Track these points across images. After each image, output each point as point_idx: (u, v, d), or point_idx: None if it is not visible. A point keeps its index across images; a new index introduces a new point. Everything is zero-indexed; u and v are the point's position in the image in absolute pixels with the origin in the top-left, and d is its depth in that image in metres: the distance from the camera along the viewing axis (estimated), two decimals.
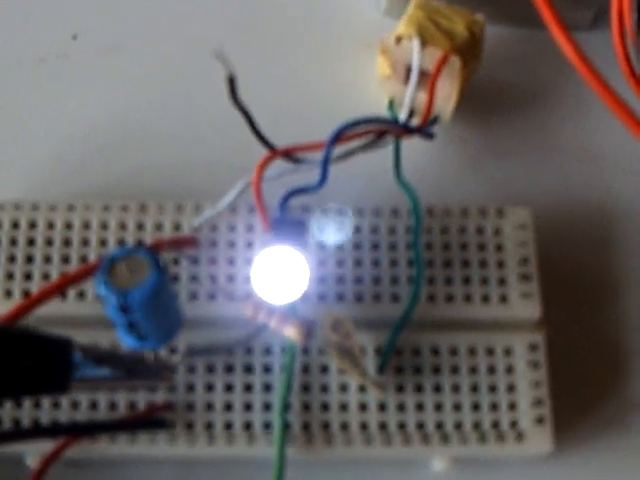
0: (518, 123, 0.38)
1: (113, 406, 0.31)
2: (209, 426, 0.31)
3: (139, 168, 0.36)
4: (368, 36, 0.38)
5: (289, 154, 0.33)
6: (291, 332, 0.29)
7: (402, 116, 0.35)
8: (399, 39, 0.35)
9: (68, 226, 0.33)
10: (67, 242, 0.33)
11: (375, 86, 0.37)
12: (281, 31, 0.39)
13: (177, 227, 0.33)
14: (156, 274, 0.27)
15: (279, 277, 0.29)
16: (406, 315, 0.32)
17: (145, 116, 0.37)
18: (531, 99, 0.38)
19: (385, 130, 0.33)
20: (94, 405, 0.31)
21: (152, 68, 0.38)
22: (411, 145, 0.35)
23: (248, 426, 0.31)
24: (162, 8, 0.40)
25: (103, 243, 0.33)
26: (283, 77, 0.38)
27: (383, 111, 0.36)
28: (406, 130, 0.34)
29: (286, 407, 0.31)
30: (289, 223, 0.31)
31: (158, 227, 0.33)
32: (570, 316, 0.34)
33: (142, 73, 0.38)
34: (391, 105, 0.36)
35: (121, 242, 0.33)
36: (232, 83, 0.31)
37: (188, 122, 0.37)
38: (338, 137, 0.32)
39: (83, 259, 0.33)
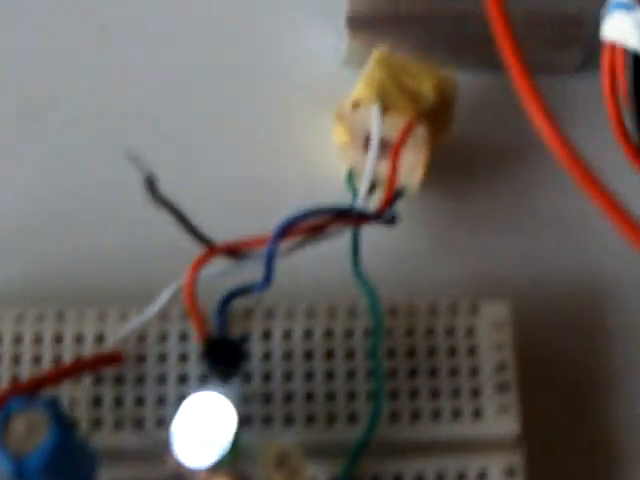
0: (497, 190, 0.33)
1: None
2: None
3: (50, 265, 0.31)
4: (328, 91, 0.33)
5: (229, 251, 0.28)
6: None
7: (362, 193, 0.30)
8: (356, 104, 0.30)
9: None
10: None
11: (333, 155, 0.32)
12: (218, 86, 0.33)
13: (100, 338, 0.29)
14: (55, 434, 0.22)
15: (200, 435, 0.25)
16: (363, 440, 0.28)
17: (55, 195, 0.32)
18: (512, 160, 0.33)
19: (339, 220, 0.29)
20: None
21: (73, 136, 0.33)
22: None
23: None
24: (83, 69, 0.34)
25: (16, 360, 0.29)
26: (221, 146, 0.33)
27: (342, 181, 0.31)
28: (363, 218, 0.29)
29: None
30: (223, 346, 0.27)
31: (78, 339, 0.29)
32: (555, 430, 0.30)
33: (58, 137, 0.33)
34: (350, 176, 0.32)
35: (37, 359, 0.28)
36: (152, 184, 0.26)
37: (109, 206, 0.32)
38: (284, 232, 0.28)
39: None
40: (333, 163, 0.32)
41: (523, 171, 0.33)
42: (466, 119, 0.32)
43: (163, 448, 0.26)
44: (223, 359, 0.27)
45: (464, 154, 0.33)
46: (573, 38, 0.33)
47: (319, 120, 0.33)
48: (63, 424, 0.23)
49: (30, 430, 0.23)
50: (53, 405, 0.23)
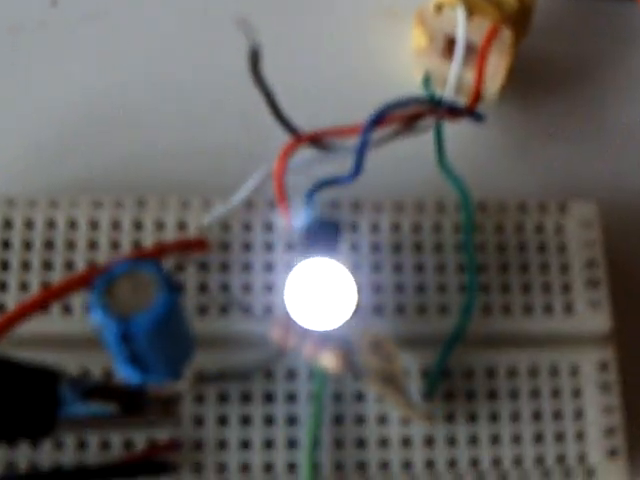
0: (572, 101, 0.32)
1: (106, 445, 0.26)
2: (222, 468, 0.26)
3: (135, 156, 0.30)
4: (396, 3, 0.33)
5: (317, 140, 0.27)
6: (329, 360, 0.24)
7: (447, 94, 0.29)
8: (440, 7, 0.30)
9: (50, 225, 0.28)
10: (49, 244, 0.27)
11: (406, 59, 0.32)
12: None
13: (182, 226, 0.28)
14: (166, 295, 0.21)
15: (320, 297, 0.24)
16: (458, 330, 0.27)
17: (140, 94, 0.31)
18: (586, 74, 0.33)
19: (429, 112, 0.28)
20: (82, 445, 0.26)
21: (146, 38, 0.32)
22: (452, 129, 0.29)
23: (269, 467, 0.26)
24: None
25: (93, 246, 0.27)
26: (301, 50, 0.32)
27: (416, 87, 0.31)
28: (454, 112, 0.28)
29: (315, 443, 0.26)
30: (321, 225, 0.26)
31: (159, 226, 0.28)
32: None
33: (134, 44, 0.32)
34: (427, 81, 0.31)
35: (115, 245, 0.27)
36: (255, 57, 0.25)
37: (192, 101, 0.31)
38: (377, 121, 0.27)
39: (69, 265, 0.27)
40: (407, 68, 0.31)
41: (596, 84, 0.32)
42: (543, 35, 0.32)
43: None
44: (323, 237, 0.26)
45: (540, 68, 0.32)
46: None
47: (390, 29, 0.32)
48: (170, 285, 0.22)
49: (136, 292, 0.22)
50: (158, 266, 0.22)
